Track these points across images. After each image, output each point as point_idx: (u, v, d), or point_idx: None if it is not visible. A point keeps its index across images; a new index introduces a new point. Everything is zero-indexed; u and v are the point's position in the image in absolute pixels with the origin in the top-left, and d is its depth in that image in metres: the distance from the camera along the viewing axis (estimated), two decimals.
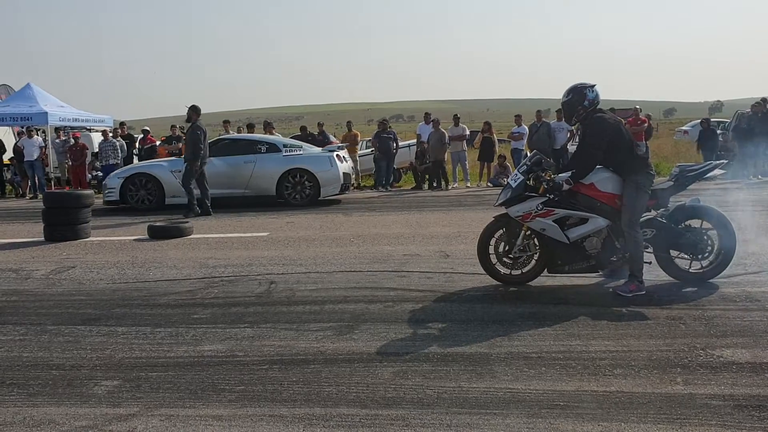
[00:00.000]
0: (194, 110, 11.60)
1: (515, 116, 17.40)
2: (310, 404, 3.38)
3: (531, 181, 5.51)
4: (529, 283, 5.66)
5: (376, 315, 4.96)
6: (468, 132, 16.99)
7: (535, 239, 5.64)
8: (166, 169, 12.57)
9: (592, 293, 5.39)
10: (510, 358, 3.95)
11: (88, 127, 20.27)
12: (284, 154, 12.64)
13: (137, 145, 18.00)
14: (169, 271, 6.79)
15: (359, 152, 17.44)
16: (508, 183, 5.84)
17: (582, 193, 5.38)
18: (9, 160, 18.03)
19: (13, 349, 4.44)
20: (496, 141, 16.91)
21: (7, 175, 18.37)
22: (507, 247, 5.70)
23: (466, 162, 16.64)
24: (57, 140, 17.88)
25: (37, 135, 17.21)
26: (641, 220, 5.38)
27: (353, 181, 14.72)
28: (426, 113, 17.60)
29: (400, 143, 17.55)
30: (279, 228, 9.69)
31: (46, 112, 17.39)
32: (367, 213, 11.37)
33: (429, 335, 4.45)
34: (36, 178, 16.89)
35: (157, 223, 9.12)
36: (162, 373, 3.88)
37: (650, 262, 5.47)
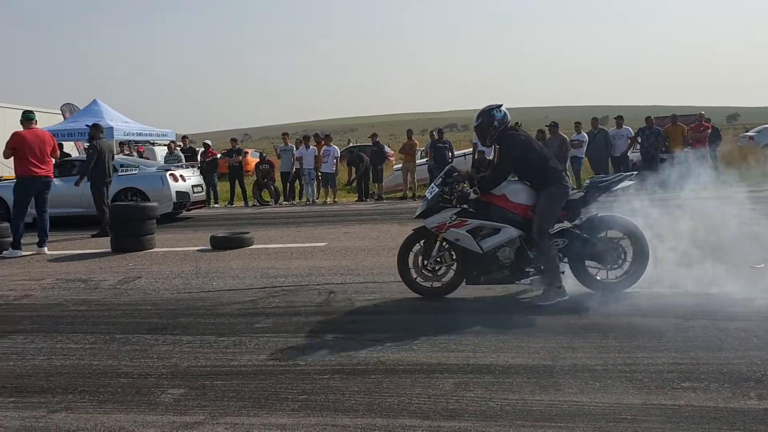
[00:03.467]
0: (96, 128, 11.66)
1: (575, 123, 16.98)
2: (371, 414, 3.38)
3: (446, 193, 5.69)
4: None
5: (435, 325, 4.93)
6: None
7: (452, 250, 5.72)
8: (10, 189, 12.38)
9: (655, 304, 5.23)
10: (574, 371, 3.87)
11: (152, 141, 20.89)
12: (119, 174, 12.80)
13: (199, 158, 18.45)
14: (232, 281, 6.92)
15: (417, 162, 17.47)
16: (425, 195, 6.01)
17: (495, 204, 5.55)
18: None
19: (83, 357, 4.59)
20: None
21: None
22: (425, 260, 5.79)
23: None
24: (121, 154, 18.49)
25: None
26: (555, 230, 5.51)
27: (192, 199, 14.05)
28: None
29: (456, 152, 17.49)
30: (336, 238, 9.77)
31: (112, 127, 17.99)
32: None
33: (490, 346, 4.39)
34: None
35: (219, 234, 9.32)
36: (226, 382, 3.95)
37: (563, 272, 5.51)
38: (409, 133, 18.66)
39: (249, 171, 21.02)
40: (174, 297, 6.31)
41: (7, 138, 9.24)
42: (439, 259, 5.77)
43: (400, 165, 18.40)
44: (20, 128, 9.31)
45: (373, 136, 18.18)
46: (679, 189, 7.72)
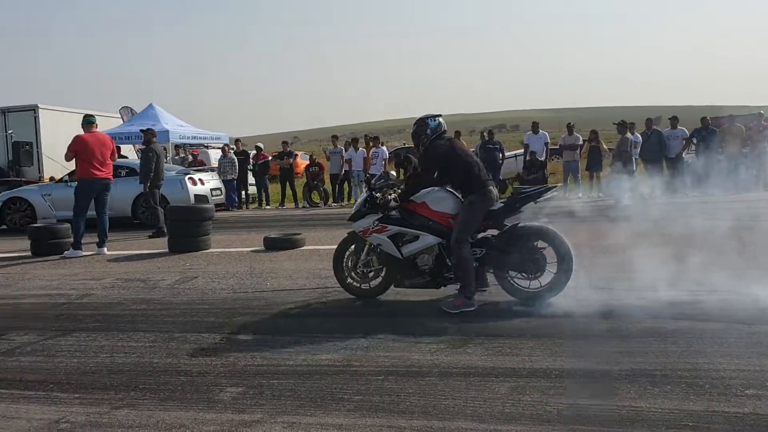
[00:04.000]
0: (150, 132, 12.12)
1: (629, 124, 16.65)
2: (427, 417, 3.39)
3: (378, 199, 5.89)
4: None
5: (491, 329, 4.91)
6: (582, 141, 16.54)
7: (379, 254, 5.91)
8: (37, 193, 14.06)
9: (717, 308, 5.09)
10: (633, 376, 3.80)
11: (206, 144, 21.32)
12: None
13: (251, 161, 18.74)
14: (285, 281, 7.02)
15: None
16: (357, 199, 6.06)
17: (417, 212, 5.69)
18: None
19: (144, 355, 4.72)
20: (606, 150, 16.33)
21: None
22: (356, 263, 6.05)
23: (578, 173, 16.19)
24: (177, 157, 18.94)
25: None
26: (477, 238, 5.61)
27: (210, 202, 14.19)
28: (534, 122, 17.34)
29: (506, 153, 17.35)
30: None
31: (168, 131, 18.45)
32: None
33: (545, 350, 4.35)
34: None
35: (272, 235, 9.46)
36: (283, 381, 4.01)
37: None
38: (457, 134, 18.53)
39: (299, 173, 21.26)
40: (230, 296, 6.43)
41: (69, 141, 9.55)
42: (366, 263, 6.01)
43: None
44: (81, 132, 9.61)
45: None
46: (739, 191, 7.52)
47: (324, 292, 6.39)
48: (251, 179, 18.95)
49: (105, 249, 9.61)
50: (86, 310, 6.20)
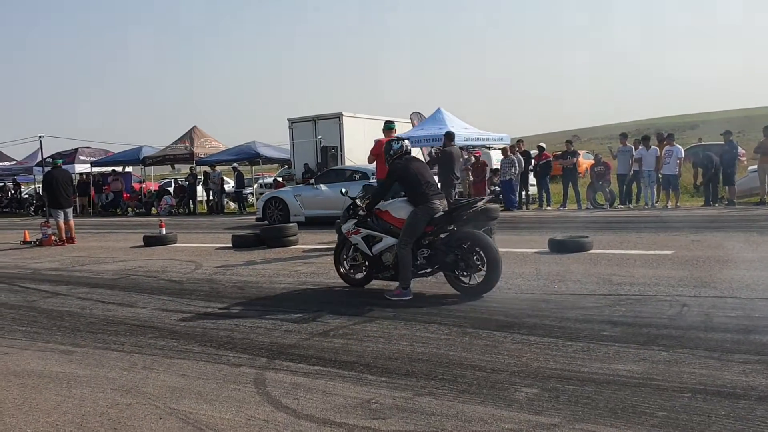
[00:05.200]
0: (448, 136, 12.81)
1: None
2: None
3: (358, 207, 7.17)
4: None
5: None
6: None
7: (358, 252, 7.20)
8: (290, 194, 16.00)
9: None
10: None
11: (488, 146, 21.76)
12: (371, 181, 13.63)
13: (533, 161, 18.69)
14: (573, 285, 6.87)
15: None
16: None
17: (382, 218, 6.95)
18: None
19: (440, 346, 4.96)
20: None
21: None
22: (346, 257, 7.43)
23: None
24: (461, 159, 19.59)
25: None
26: (425, 242, 6.64)
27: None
28: None
29: None
30: (684, 246, 9.08)
31: (453, 133, 19.17)
32: None
33: None
34: None
35: (558, 237, 9.33)
36: (578, 387, 3.93)
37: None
38: (766, 130, 16.47)
39: (581, 173, 20.67)
40: (517, 297, 6.48)
41: (366, 145, 10.45)
42: (352, 258, 7.34)
43: (755, 166, 16.38)
44: (379, 136, 10.44)
45: (726, 134, 16.45)
46: None
47: (616, 299, 6.12)
48: (531, 179, 18.90)
49: None
50: (384, 300, 6.67)
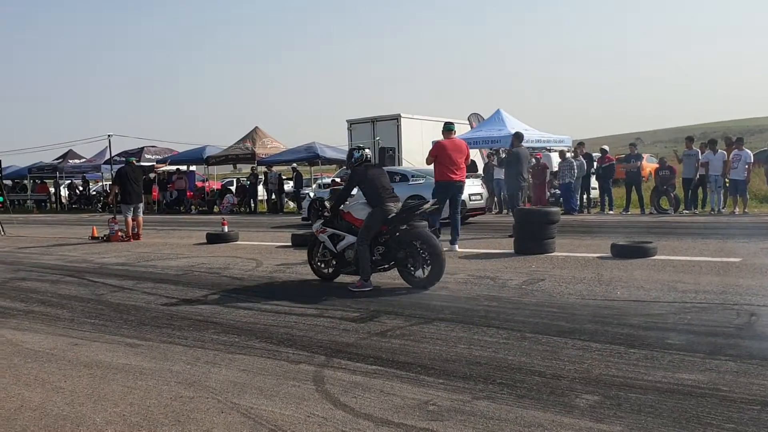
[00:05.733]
0: (516, 137, 12.77)
1: None
2: None
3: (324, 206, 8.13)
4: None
5: None
6: None
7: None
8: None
9: None
10: None
11: (549, 148, 21.46)
12: (410, 182, 15.05)
13: (595, 164, 18.34)
14: (636, 291, 6.71)
15: None
16: None
17: (345, 219, 7.68)
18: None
19: (499, 350, 4.91)
20: None
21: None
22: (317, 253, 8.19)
23: None
24: (529, 160, 19.38)
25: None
26: (381, 240, 7.37)
27: (468, 206, 14.74)
28: None
29: None
30: (753, 254, 8.77)
31: (523, 135, 18.98)
32: None
33: None
34: (501, 195, 18.63)
35: (621, 242, 9.13)
36: (641, 396, 3.84)
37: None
38: None
39: (645, 177, 20.16)
40: (578, 302, 6.37)
41: (423, 146, 10.47)
42: (321, 254, 8.08)
43: None
44: (438, 138, 10.42)
45: None
46: None
47: (681, 307, 5.96)
48: (593, 183, 18.53)
49: (456, 246, 10.28)
50: (444, 301, 6.66)
